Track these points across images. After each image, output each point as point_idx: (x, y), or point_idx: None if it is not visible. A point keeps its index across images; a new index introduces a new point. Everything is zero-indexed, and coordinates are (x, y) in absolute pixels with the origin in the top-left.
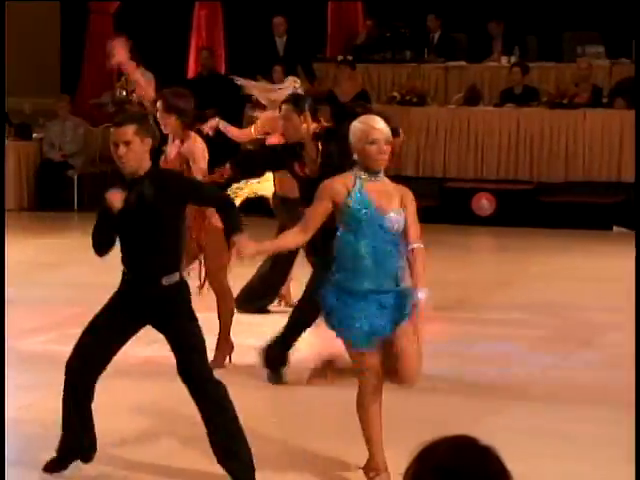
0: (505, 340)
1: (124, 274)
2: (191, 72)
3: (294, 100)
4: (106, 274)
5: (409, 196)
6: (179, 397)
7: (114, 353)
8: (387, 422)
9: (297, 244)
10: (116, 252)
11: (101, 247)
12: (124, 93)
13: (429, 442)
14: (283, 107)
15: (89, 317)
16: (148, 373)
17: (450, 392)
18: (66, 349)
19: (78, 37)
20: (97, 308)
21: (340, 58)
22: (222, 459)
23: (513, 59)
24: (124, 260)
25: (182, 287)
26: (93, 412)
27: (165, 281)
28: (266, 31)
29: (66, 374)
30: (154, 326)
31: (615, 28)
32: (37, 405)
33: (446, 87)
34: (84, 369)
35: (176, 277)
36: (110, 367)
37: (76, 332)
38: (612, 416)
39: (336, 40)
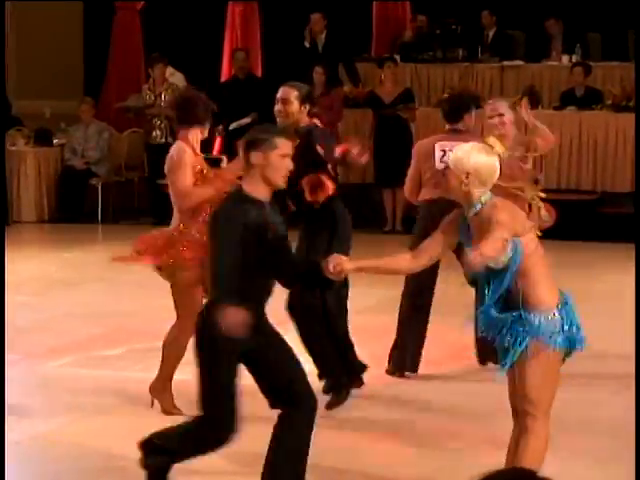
0: None
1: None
2: (225, 74)
3: (304, 89)
4: (127, 292)
5: None
6: None
7: None
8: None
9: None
10: (131, 269)
11: None
12: (152, 96)
13: (484, 475)
14: (286, 89)
15: (109, 339)
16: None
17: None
18: (86, 372)
19: (103, 36)
20: (118, 330)
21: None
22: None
23: (574, 58)
24: (258, 292)
25: None
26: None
27: None
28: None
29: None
30: (256, 354)
31: None
32: (54, 433)
33: (501, 88)
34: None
35: None
36: (122, 394)
37: (96, 354)
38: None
39: (382, 38)
